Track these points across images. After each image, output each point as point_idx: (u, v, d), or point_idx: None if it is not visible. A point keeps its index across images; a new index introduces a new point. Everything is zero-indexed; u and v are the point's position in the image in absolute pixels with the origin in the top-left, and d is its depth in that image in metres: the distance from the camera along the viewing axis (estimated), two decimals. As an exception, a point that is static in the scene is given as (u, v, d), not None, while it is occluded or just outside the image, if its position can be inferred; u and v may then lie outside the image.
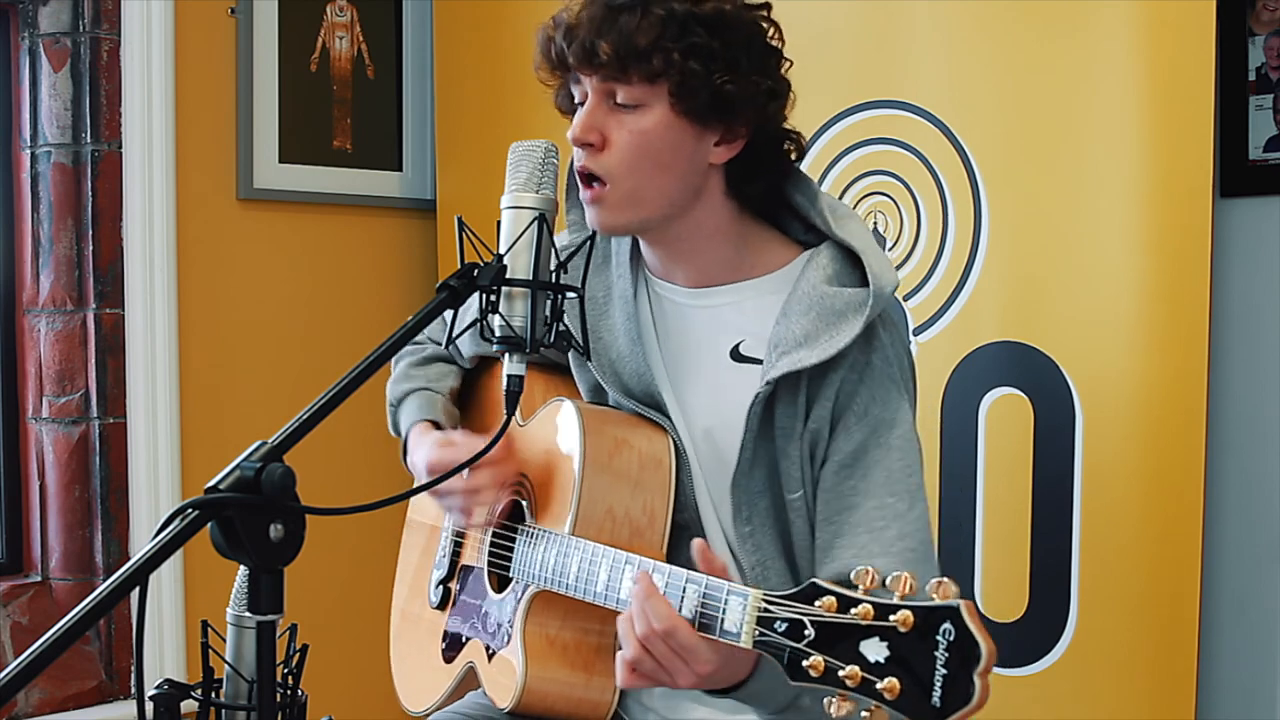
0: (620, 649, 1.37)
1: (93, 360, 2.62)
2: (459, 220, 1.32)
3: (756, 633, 1.21)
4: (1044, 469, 2.08)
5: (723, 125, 1.52)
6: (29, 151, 2.63)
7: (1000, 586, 2.11)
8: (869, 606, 1.12)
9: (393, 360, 1.92)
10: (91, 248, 2.61)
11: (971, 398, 2.15)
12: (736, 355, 1.59)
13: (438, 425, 1.81)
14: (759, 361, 1.56)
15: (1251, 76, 2.11)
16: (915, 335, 2.21)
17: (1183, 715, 1.95)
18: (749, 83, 1.50)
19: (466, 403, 1.90)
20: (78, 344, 2.63)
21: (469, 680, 1.72)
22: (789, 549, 1.57)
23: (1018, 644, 2.09)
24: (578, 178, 1.55)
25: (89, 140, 2.61)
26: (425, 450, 1.72)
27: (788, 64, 1.58)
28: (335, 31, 2.96)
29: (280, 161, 2.86)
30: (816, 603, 1.15)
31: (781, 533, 1.57)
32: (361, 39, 3.01)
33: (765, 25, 1.55)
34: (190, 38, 2.72)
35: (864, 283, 1.55)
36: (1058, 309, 2.07)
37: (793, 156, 1.61)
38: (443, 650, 1.77)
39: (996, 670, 2.14)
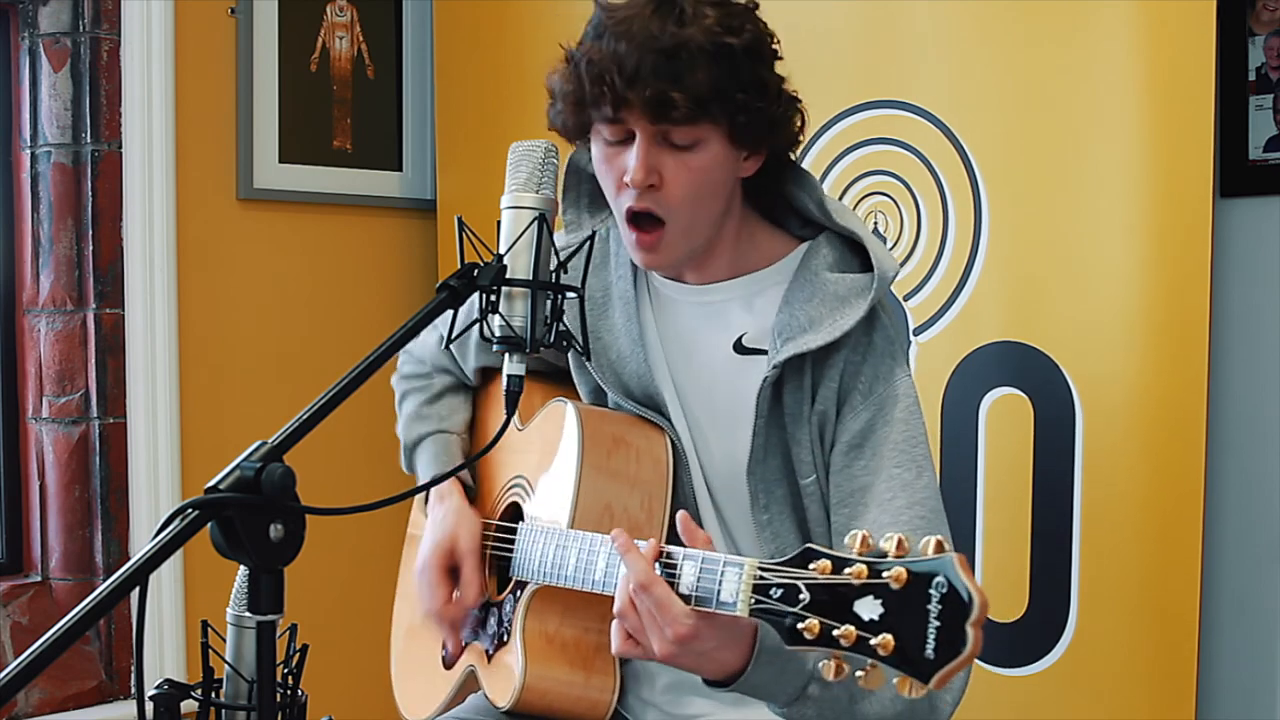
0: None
1: (93, 360, 2.62)
2: (459, 220, 1.32)
3: (753, 600, 1.21)
4: (1044, 469, 2.08)
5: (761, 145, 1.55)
6: (29, 151, 2.63)
7: (1000, 586, 2.10)
8: (862, 566, 1.12)
9: (398, 390, 1.90)
10: (91, 248, 2.61)
11: (971, 398, 2.15)
12: (740, 348, 1.61)
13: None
14: (763, 352, 1.58)
15: (1251, 76, 2.11)
16: (915, 335, 2.21)
17: (1183, 715, 1.95)
18: (784, 103, 1.53)
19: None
20: (78, 344, 2.63)
21: (469, 684, 1.72)
22: (807, 536, 1.57)
23: (1018, 644, 2.08)
24: (625, 221, 1.53)
25: (89, 140, 2.61)
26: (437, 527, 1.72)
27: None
28: (335, 31, 2.96)
29: (280, 161, 2.86)
30: (810, 566, 1.16)
31: (799, 520, 1.58)
32: (361, 39, 3.01)
33: (767, 33, 1.54)
34: (190, 38, 2.72)
35: (865, 269, 1.57)
36: (1058, 309, 2.07)
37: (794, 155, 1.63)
38: (443, 657, 1.77)
39: (997, 670, 2.14)
